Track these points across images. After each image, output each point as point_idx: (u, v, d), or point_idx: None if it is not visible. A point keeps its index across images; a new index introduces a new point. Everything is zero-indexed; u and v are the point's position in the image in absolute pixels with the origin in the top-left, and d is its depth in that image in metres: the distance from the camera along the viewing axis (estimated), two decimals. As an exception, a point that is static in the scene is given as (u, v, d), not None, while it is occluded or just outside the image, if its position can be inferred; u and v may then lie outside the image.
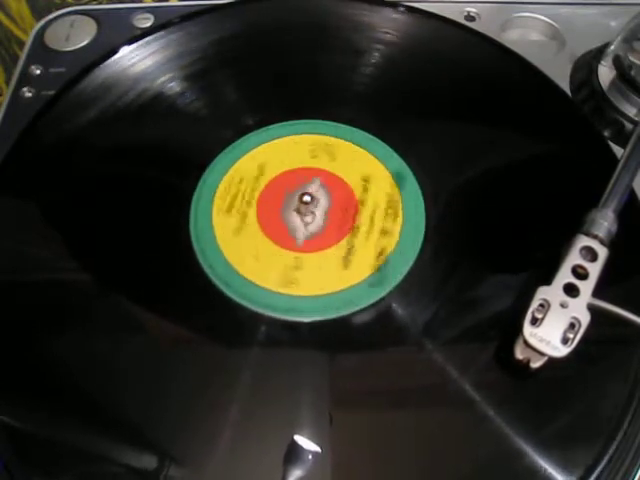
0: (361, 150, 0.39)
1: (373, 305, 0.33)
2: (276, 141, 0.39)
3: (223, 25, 0.44)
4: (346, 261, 0.35)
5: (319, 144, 0.39)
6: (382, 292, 0.34)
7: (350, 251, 0.35)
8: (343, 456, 0.30)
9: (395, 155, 0.38)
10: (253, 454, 0.30)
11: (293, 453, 0.29)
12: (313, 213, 0.36)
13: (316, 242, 0.36)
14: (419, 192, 0.37)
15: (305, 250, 0.35)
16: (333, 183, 0.38)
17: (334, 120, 0.40)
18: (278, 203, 0.37)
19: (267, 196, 0.37)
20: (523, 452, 0.29)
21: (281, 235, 0.36)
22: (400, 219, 0.36)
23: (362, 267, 0.35)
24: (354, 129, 0.39)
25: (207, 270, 0.34)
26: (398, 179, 0.37)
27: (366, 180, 0.38)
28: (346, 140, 0.39)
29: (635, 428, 0.31)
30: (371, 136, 0.39)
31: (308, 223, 0.36)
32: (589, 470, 0.29)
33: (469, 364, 0.32)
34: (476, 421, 0.30)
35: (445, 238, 0.36)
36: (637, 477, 0.31)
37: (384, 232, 0.36)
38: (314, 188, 0.37)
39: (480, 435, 0.30)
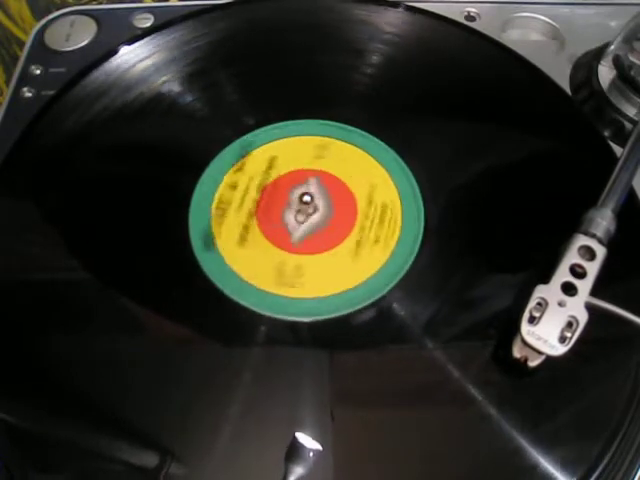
0: (360, 151, 0.39)
1: (373, 304, 0.33)
2: (276, 142, 0.39)
3: (223, 25, 0.44)
4: (356, 255, 0.35)
5: (318, 144, 0.39)
6: (382, 291, 0.34)
7: (358, 245, 0.35)
8: (344, 454, 0.30)
9: (395, 155, 0.38)
10: (255, 453, 0.30)
11: (295, 452, 0.29)
12: (314, 212, 0.36)
13: (318, 243, 0.36)
14: (419, 192, 0.37)
15: (306, 251, 0.35)
16: (331, 183, 0.38)
17: (334, 120, 0.40)
18: (279, 204, 0.37)
19: (267, 197, 0.37)
20: (523, 451, 0.29)
21: (282, 236, 0.36)
22: (399, 220, 0.36)
23: (372, 259, 0.35)
24: (354, 129, 0.39)
25: (207, 271, 0.34)
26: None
27: (364, 180, 0.38)
28: (345, 140, 0.39)
29: (635, 428, 0.31)
30: (370, 136, 0.39)
31: (307, 223, 0.36)
32: (589, 470, 0.29)
33: (468, 363, 0.32)
34: (476, 420, 0.30)
35: (445, 237, 0.36)
36: (637, 477, 0.31)
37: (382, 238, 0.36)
38: (313, 189, 0.37)
39: (480, 434, 0.30)
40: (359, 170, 0.38)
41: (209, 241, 0.35)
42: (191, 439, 0.30)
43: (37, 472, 0.30)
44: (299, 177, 0.38)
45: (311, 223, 0.36)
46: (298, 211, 0.36)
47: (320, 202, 0.37)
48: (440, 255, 0.35)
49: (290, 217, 0.36)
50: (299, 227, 0.36)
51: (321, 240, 0.36)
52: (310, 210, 0.36)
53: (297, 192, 0.37)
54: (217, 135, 0.39)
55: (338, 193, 0.37)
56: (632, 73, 0.39)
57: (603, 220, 0.32)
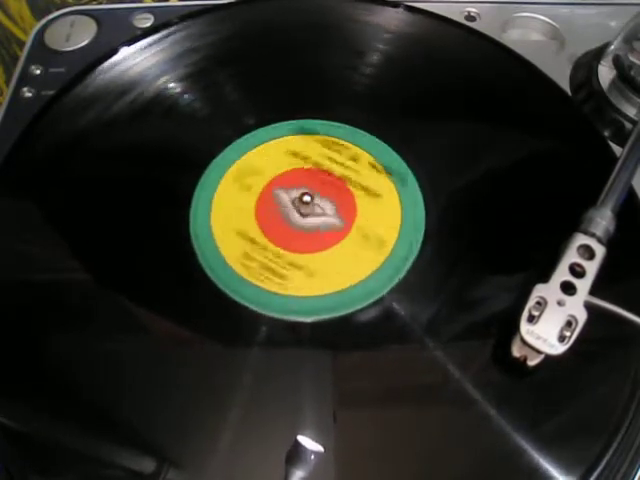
0: (359, 150, 0.39)
1: (373, 304, 0.33)
2: (275, 141, 0.39)
3: (223, 25, 0.44)
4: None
5: (318, 144, 0.39)
6: (382, 291, 0.34)
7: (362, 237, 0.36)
8: (346, 455, 0.30)
9: (395, 154, 0.38)
10: (257, 455, 0.30)
11: (297, 453, 0.29)
12: (314, 212, 0.36)
13: (318, 240, 0.36)
14: (419, 192, 0.37)
15: (311, 249, 0.35)
16: (327, 181, 0.38)
17: (334, 120, 0.40)
18: (278, 205, 0.37)
19: (266, 197, 0.37)
20: (523, 451, 0.29)
21: (276, 231, 0.36)
22: (399, 220, 0.36)
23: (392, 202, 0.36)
24: (354, 129, 0.39)
25: (208, 270, 0.34)
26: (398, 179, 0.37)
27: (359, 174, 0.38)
28: (346, 140, 0.39)
29: (635, 428, 0.31)
30: (371, 136, 0.39)
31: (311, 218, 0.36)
32: (589, 470, 0.29)
33: (468, 362, 0.32)
34: (476, 420, 0.30)
35: (445, 237, 0.36)
36: (637, 477, 0.31)
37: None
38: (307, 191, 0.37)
39: (480, 434, 0.30)
40: (357, 167, 0.38)
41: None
42: (191, 441, 0.30)
43: (37, 474, 0.30)
44: (298, 177, 0.38)
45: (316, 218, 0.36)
46: (300, 211, 0.36)
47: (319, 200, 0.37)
48: (440, 254, 0.35)
49: (295, 215, 0.36)
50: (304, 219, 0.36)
51: (322, 238, 0.36)
52: (310, 210, 0.36)
53: (292, 194, 0.37)
54: (217, 135, 0.39)
55: (334, 191, 0.37)
56: (632, 73, 0.39)
57: (602, 220, 0.32)
